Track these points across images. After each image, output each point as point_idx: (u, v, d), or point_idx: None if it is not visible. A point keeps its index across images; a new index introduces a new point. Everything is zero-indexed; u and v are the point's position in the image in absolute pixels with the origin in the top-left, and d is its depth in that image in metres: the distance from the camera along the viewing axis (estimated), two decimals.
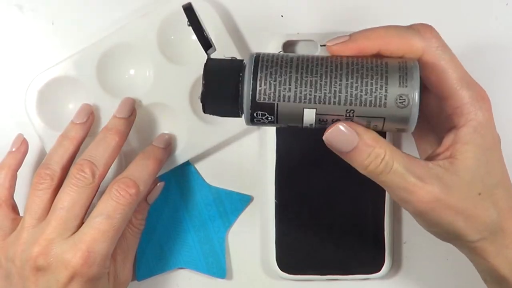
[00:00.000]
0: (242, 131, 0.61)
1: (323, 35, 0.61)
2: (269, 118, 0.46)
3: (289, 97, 0.45)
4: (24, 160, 0.60)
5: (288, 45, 0.61)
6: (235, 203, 0.62)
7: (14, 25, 0.62)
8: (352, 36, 0.47)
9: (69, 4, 0.62)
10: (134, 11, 0.61)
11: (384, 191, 0.60)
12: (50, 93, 0.60)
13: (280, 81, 0.45)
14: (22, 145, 0.59)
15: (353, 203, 0.60)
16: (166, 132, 0.61)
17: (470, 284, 0.57)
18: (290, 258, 0.60)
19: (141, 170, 0.56)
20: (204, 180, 0.62)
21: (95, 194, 0.55)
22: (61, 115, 0.60)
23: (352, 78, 0.45)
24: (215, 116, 0.60)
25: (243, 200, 0.62)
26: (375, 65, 0.45)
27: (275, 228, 0.60)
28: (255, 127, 0.61)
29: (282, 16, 0.62)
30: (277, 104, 0.45)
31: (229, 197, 0.62)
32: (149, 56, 0.60)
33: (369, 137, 0.46)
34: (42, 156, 0.61)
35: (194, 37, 0.60)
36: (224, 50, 0.60)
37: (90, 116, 0.59)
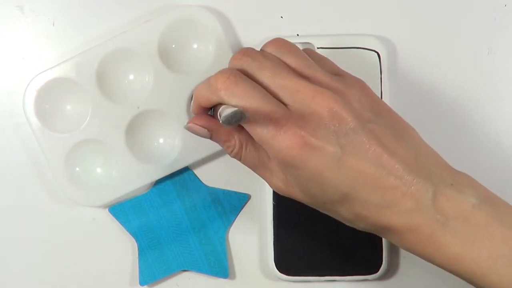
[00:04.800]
0: None
1: (322, 36, 0.61)
2: None
3: None
4: (21, 161, 0.61)
5: None
6: (234, 202, 0.62)
7: (15, 25, 0.62)
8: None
9: (71, 6, 0.62)
10: (136, 18, 0.61)
11: None
12: (49, 93, 0.60)
13: None
14: None
15: None
16: (161, 139, 0.61)
17: (468, 285, 0.57)
18: (288, 260, 0.61)
19: None
20: (201, 181, 0.62)
21: None
22: (59, 116, 0.61)
23: None
24: None
25: (241, 199, 0.62)
26: None
27: (273, 229, 0.61)
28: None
29: (281, 17, 0.62)
30: None
31: (227, 197, 0.62)
32: (149, 62, 0.60)
33: (222, 132, 0.50)
34: (38, 157, 0.61)
35: (195, 46, 0.61)
36: (223, 51, 0.61)
37: None
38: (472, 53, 0.63)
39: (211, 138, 0.51)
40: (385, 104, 0.50)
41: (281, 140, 0.46)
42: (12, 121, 0.62)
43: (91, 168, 0.62)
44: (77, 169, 0.61)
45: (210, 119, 0.50)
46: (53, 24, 0.62)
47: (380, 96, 0.60)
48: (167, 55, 0.60)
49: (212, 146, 0.61)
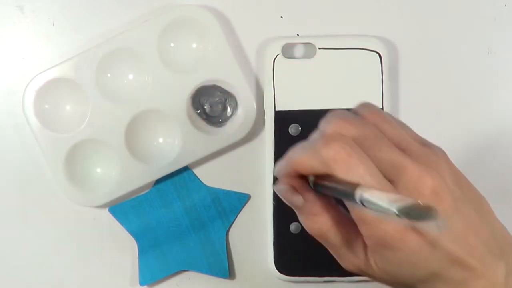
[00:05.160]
0: (238, 141, 0.61)
1: (323, 37, 0.61)
2: None
3: None
4: (21, 161, 0.62)
5: (287, 48, 0.61)
6: (234, 202, 0.62)
7: (15, 25, 0.62)
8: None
9: (71, 6, 0.62)
10: (136, 17, 0.61)
11: None
12: (48, 93, 0.60)
13: None
14: None
15: None
16: (161, 139, 0.62)
17: None
18: (288, 260, 0.61)
19: None
20: (201, 181, 0.62)
21: None
22: (58, 116, 0.61)
23: None
24: (212, 126, 0.61)
25: (241, 199, 0.62)
26: None
27: (273, 229, 0.61)
28: (252, 136, 0.62)
29: (281, 17, 0.62)
30: None
31: (227, 197, 0.62)
32: (148, 62, 0.60)
33: (316, 205, 0.46)
34: (38, 157, 0.61)
35: (194, 45, 0.61)
36: (222, 51, 0.61)
37: None
38: (472, 53, 0.63)
39: (298, 208, 0.46)
40: (462, 174, 0.48)
41: (389, 222, 0.43)
42: (12, 121, 0.62)
43: (91, 168, 0.62)
44: (77, 169, 0.61)
45: (307, 187, 0.46)
46: (53, 24, 0.62)
47: (381, 97, 0.60)
48: (166, 55, 0.60)
49: (212, 146, 0.61)
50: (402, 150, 0.45)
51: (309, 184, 0.46)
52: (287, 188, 0.46)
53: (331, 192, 0.43)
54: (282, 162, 0.46)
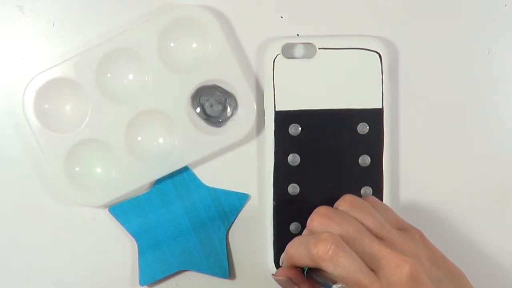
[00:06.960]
0: (239, 141, 0.61)
1: (323, 37, 0.61)
2: None
3: None
4: (21, 161, 0.61)
5: (287, 48, 0.61)
6: (234, 202, 0.62)
7: (15, 25, 0.62)
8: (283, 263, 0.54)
9: (71, 6, 0.62)
10: (136, 17, 0.61)
11: (381, 191, 0.60)
12: (48, 93, 0.60)
13: None
14: None
15: None
16: (161, 139, 0.61)
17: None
18: None
19: None
20: (201, 181, 0.62)
21: None
22: (58, 116, 0.61)
23: None
24: (212, 126, 0.61)
25: (241, 199, 0.62)
26: None
27: (273, 229, 0.61)
28: (253, 135, 0.62)
29: (281, 17, 0.62)
30: None
31: (227, 197, 0.62)
32: (148, 62, 0.60)
33: (307, 286, 0.52)
34: (37, 157, 0.61)
35: (194, 45, 0.61)
36: (222, 51, 0.61)
37: None
38: (472, 53, 0.63)
39: None
40: (439, 252, 0.52)
41: None
42: (12, 121, 0.62)
43: (91, 168, 0.62)
44: (77, 169, 0.61)
45: (302, 277, 0.52)
46: (53, 24, 0.62)
47: (381, 97, 0.60)
48: (166, 55, 0.60)
49: (212, 146, 0.61)
50: (382, 238, 0.50)
51: (304, 273, 0.52)
52: (285, 279, 0.52)
53: (322, 281, 0.51)
54: (283, 254, 0.52)
